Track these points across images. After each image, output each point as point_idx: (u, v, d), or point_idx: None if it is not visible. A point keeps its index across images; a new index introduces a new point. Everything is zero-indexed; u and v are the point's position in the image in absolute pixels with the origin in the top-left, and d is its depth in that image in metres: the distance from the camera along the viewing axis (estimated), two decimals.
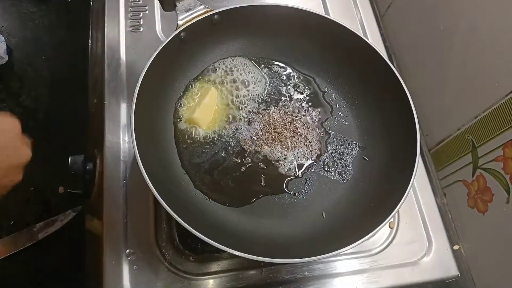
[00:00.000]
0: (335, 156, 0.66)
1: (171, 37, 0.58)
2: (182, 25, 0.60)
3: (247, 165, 0.63)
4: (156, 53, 0.57)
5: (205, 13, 0.61)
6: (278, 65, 0.71)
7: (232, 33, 0.68)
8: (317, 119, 0.68)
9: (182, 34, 0.60)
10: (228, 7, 0.62)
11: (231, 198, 0.61)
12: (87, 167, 0.64)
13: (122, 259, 0.59)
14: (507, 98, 0.57)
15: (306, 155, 0.65)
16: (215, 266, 0.61)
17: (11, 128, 0.43)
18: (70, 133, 0.74)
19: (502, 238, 0.61)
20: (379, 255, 0.65)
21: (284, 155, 0.64)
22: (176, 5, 0.61)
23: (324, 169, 0.64)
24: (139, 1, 0.79)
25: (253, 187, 0.62)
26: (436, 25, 0.71)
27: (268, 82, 0.70)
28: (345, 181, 0.64)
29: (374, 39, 0.83)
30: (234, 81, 0.69)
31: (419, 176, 0.71)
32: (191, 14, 0.60)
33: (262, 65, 0.71)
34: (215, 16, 0.62)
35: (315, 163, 0.65)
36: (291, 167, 0.64)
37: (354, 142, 0.67)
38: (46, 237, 0.64)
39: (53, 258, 0.66)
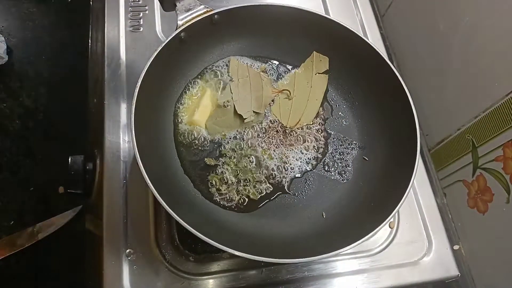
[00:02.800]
0: (335, 156, 0.66)
1: (171, 37, 0.58)
2: (182, 25, 0.60)
3: (246, 168, 0.63)
4: (156, 53, 0.57)
5: (205, 13, 0.61)
6: (279, 64, 0.71)
7: (232, 33, 0.68)
8: (317, 119, 0.68)
9: (182, 34, 0.60)
10: (228, 7, 0.62)
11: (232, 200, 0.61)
12: (87, 167, 0.64)
13: (122, 259, 0.59)
14: (507, 98, 0.57)
15: (306, 155, 0.65)
16: (215, 266, 0.61)
17: None
18: (70, 133, 0.74)
19: (502, 238, 0.61)
20: (379, 255, 0.65)
21: (284, 155, 0.64)
22: (176, 5, 0.61)
23: (324, 169, 0.64)
24: (139, 1, 0.79)
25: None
26: (436, 25, 0.71)
27: None
28: (345, 181, 0.64)
29: (374, 39, 0.83)
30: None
31: (419, 176, 0.71)
32: (191, 14, 0.60)
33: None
34: (215, 16, 0.62)
35: (315, 163, 0.65)
36: (291, 167, 0.64)
37: (354, 142, 0.67)
38: (46, 237, 0.64)
39: (53, 258, 0.66)
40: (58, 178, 0.70)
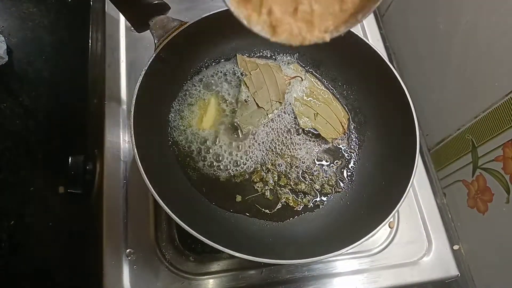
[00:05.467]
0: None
1: (152, 58, 0.57)
2: (160, 44, 0.58)
3: (245, 168, 0.63)
4: (140, 78, 0.55)
5: (180, 26, 0.59)
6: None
7: (220, 37, 0.68)
8: None
9: (162, 53, 0.58)
10: (202, 16, 0.60)
11: (230, 200, 0.61)
12: (87, 167, 0.64)
13: (122, 259, 0.59)
14: (507, 98, 0.57)
15: (305, 157, 0.65)
16: (215, 266, 0.61)
17: None
18: (70, 133, 0.74)
19: (502, 238, 0.61)
20: (379, 255, 0.65)
21: (285, 156, 0.64)
22: (149, 25, 0.59)
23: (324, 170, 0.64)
24: None
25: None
26: (436, 25, 0.71)
27: None
28: (345, 181, 0.64)
29: (374, 39, 0.82)
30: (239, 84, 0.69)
31: (419, 176, 0.71)
32: (166, 31, 0.58)
33: None
34: (191, 27, 0.60)
35: (315, 164, 0.65)
36: (291, 170, 0.64)
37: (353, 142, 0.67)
38: (46, 237, 0.64)
39: (53, 258, 0.66)
40: (58, 178, 0.69)
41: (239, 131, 0.64)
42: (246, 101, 0.66)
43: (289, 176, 0.63)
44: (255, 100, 0.66)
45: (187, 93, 0.66)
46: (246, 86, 0.67)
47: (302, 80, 0.69)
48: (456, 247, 0.68)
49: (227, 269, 0.61)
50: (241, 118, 0.65)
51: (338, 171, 0.64)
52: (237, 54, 0.69)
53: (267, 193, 0.61)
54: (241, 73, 0.68)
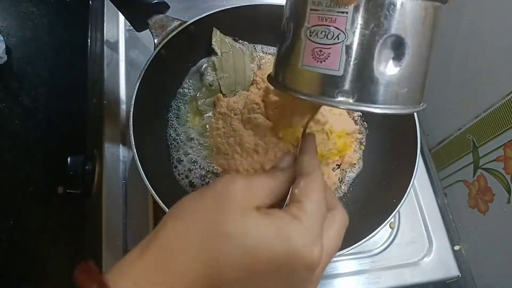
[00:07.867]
0: None
1: (151, 58, 0.56)
2: (159, 43, 0.57)
3: None
4: (140, 77, 0.55)
5: (180, 25, 0.58)
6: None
7: (226, 34, 0.68)
8: None
9: (162, 51, 0.58)
10: (202, 15, 0.60)
11: None
12: (87, 167, 0.63)
13: None
14: (508, 98, 0.57)
15: None
16: None
17: None
18: (70, 133, 0.74)
19: (503, 238, 0.61)
20: (380, 256, 0.65)
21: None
22: (148, 24, 0.58)
23: None
24: None
25: None
26: None
27: None
28: (344, 182, 0.64)
29: None
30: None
31: (420, 176, 0.71)
32: (166, 30, 0.58)
33: None
34: (191, 26, 0.60)
35: None
36: None
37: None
38: (46, 237, 0.64)
39: (53, 258, 0.65)
40: (57, 178, 0.69)
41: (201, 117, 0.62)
42: (210, 85, 0.62)
43: None
44: (220, 86, 0.62)
45: (186, 91, 0.66)
46: (214, 68, 0.63)
47: None
48: (457, 247, 0.68)
49: None
50: (200, 105, 0.62)
51: (338, 172, 0.64)
52: (214, 28, 0.64)
53: None
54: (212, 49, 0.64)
